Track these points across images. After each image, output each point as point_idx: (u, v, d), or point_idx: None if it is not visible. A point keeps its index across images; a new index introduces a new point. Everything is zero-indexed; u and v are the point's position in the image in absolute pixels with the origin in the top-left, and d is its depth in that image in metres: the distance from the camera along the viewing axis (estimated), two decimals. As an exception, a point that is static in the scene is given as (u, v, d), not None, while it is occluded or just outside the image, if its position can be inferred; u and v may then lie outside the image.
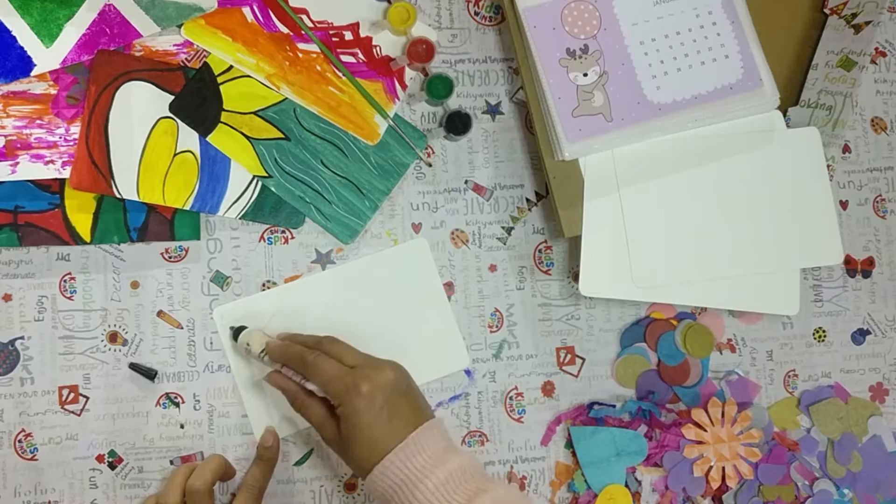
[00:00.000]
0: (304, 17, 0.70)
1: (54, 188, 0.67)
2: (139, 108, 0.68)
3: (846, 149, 0.77)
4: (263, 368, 0.66)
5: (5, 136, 0.66)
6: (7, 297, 0.68)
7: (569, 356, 0.73)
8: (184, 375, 0.69)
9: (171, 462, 0.68)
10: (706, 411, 0.72)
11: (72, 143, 0.67)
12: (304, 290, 0.70)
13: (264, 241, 0.70)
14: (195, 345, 0.69)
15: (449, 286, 0.72)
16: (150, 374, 0.68)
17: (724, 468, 0.71)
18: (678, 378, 0.73)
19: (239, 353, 0.68)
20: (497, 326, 0.72)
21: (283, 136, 0.70)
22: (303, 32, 0.70)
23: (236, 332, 0.68)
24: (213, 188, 0.68)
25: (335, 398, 0.60)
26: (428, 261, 0.71)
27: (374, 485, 0.58)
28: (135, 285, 0.69)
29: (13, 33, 0.66)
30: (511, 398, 0.72)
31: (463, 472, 0.57)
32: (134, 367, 0.68)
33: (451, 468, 0.57)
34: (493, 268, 0.73)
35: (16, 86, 0.67)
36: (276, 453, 0.68)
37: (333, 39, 0.70)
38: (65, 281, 0.68)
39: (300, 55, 0.70)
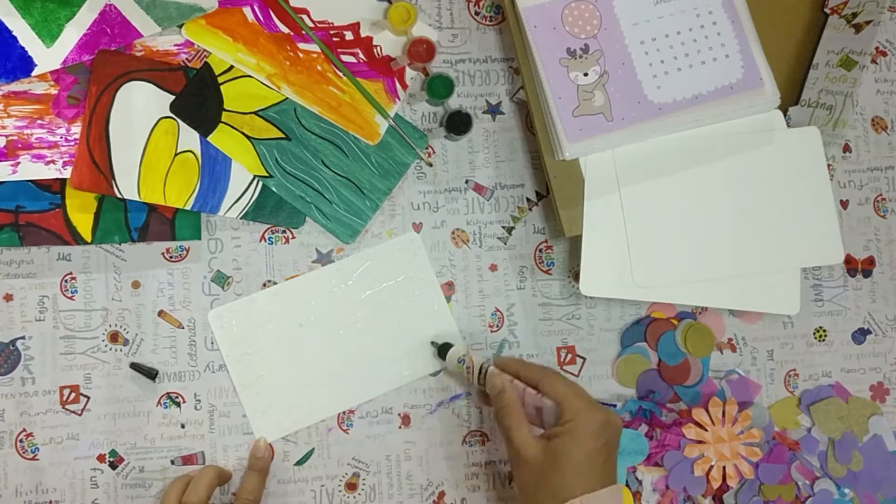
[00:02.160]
0: (304, 17, 0.70)
1: (55, 188, 0.67)
2: (140, 108, 0.68)
3: (847, 148, 0.77)
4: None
5: (6, 136, 0.67)
6: (8, 297, 0.68)
7: (569, 356, 0.73)
8: (185, 375, 0.69)
9: (172, 462, 0.68)
10: (707, 411, 0.72)
11: (73, 143, 0.67)
12: (295, 289, 0.70)
13: (265, 240, 0.70)
14: (196, 344, 0.69)
15: (449, 286, 0.72)
16: (151, 374, 0.68)
17: (724, 467, 0.71)
18: (679, 377, 0.73)
19: (451, 366, 0.68)
20: (498, 326, 0.72)
21: (283, 135, 0.70)
22: (303, 32, 0.70)
23: (442, 348, 0.68)
24: (213, 188, 0.68)
25: (570, 412, 0.59)
26: (420, 254, 0.71)
27: None
28: (136, 285, 0.69)
29: (14, 33, 0.66)
30: (512, 398, 0.72)
31: None
32: (135, 366, 0.68)
33: None
34: (493, 267, 0.73)
35: (17, 86, 0.67)
36: (267, 463, 0.68)
37: (334, 39, 0.70)
38: (66, 281, 0.69)
39: (301, 55, 0.70)
